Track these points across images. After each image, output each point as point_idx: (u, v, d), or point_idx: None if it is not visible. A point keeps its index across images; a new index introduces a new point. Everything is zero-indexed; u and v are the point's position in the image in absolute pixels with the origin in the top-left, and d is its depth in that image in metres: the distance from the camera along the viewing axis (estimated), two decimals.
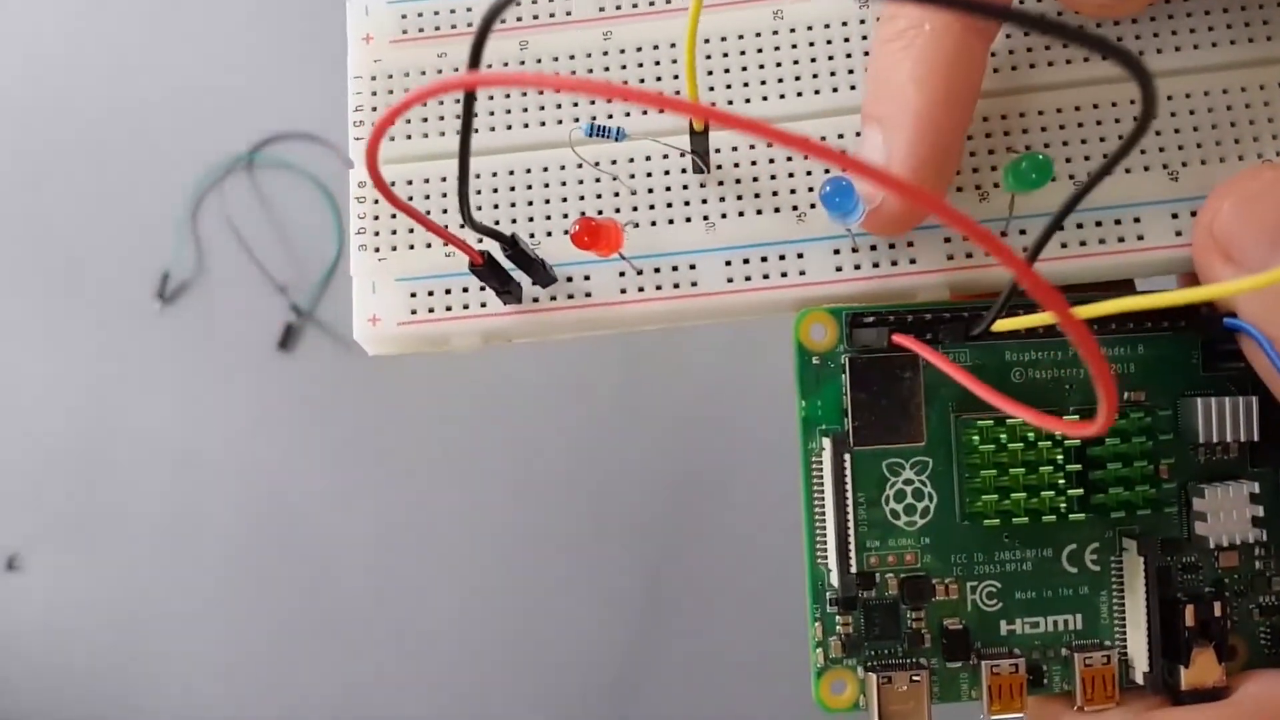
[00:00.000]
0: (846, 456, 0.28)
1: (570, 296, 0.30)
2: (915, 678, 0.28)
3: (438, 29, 0.32)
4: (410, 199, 0.31)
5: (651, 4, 0.31)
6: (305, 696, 0.84)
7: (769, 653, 0.76)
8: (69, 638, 0.86)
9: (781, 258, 0.30)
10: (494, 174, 0.31)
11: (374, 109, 0.31)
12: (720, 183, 0.30)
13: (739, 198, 0.30)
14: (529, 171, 0.31)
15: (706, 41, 0.31)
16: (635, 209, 0.30)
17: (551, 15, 0.32)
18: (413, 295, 0.30)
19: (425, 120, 0.31)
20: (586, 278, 0.30)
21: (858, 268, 0.29)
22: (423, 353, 0.31)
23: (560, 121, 0.31)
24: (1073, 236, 0.29)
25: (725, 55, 0.31)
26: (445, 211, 0.31)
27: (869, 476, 0.28)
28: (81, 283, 0.89)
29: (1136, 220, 0.29)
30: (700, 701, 0.82)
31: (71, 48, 0.91)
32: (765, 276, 0.30)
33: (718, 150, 0.30)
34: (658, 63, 0.31)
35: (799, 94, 0.31)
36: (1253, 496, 0.28)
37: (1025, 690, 0.28)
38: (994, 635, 0.29)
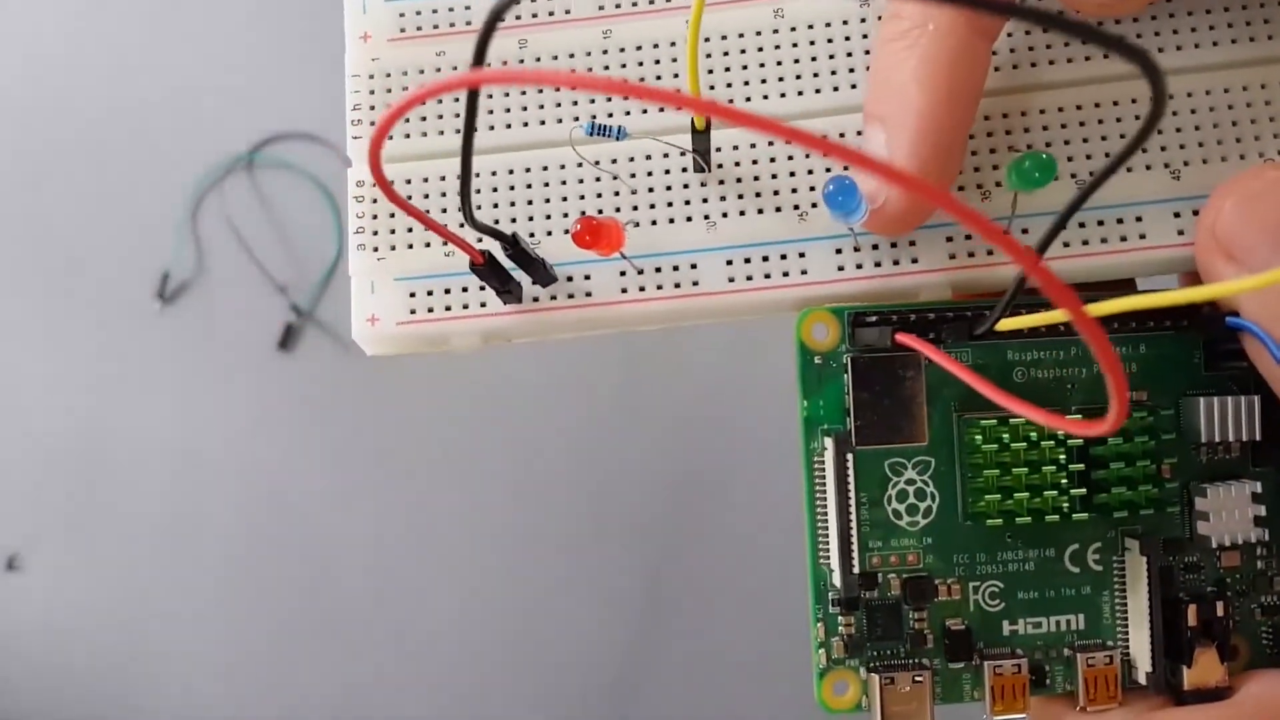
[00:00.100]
0: (849, 456, 0.28)
1: (571, 296, 0.30)
2: (918, 678, 0.28)
3: (436, 27, 0.32)
4: (409, 198, 0.31)
5: (651, 2, 0.31)
6: (305, 696, 0.84)
7: (769, 653, 0.76)
8: (69, 638, 0.86)
9: (783, 257, 0.29)
10: (494, 173, 0.30)
11: (372, 108, 0.31)
12: (721, 182, 0.30)
13: (740, 197, 0.30)
14: (529, 171, 0.30)
15: (707, 40, 0.31)
16: (636, 208, 0.30)
17: (551, 14, 0.32)
18: (412, 295, 0.30)
19: (424, 119, 0.31)
20: (587, 277, 0.30)
21: (860, 267, 0.29)
22: (422, 353, 0.31)
23: (560, 121, 0.31)
24: (1074, 235, 0.29)
25: (725, 54, 0.31)
26: (445, 211, 0.31)
27: (871, 476, 0.28)
28: (81, 283, 0.89)
29: (1138, 219, 0.29)
30: (700, 702, 0.82)
31: (71, 48, 0.91)
32: (767, 276, 0.29)
33: (719, 149, 0.30)
34: (658, 61, 0.31)
35: (799, 93, 0.31)
36: (1255, 496, 0.28)
37: (1028, 691, 0.28)
38: (996, 635, 0.29)
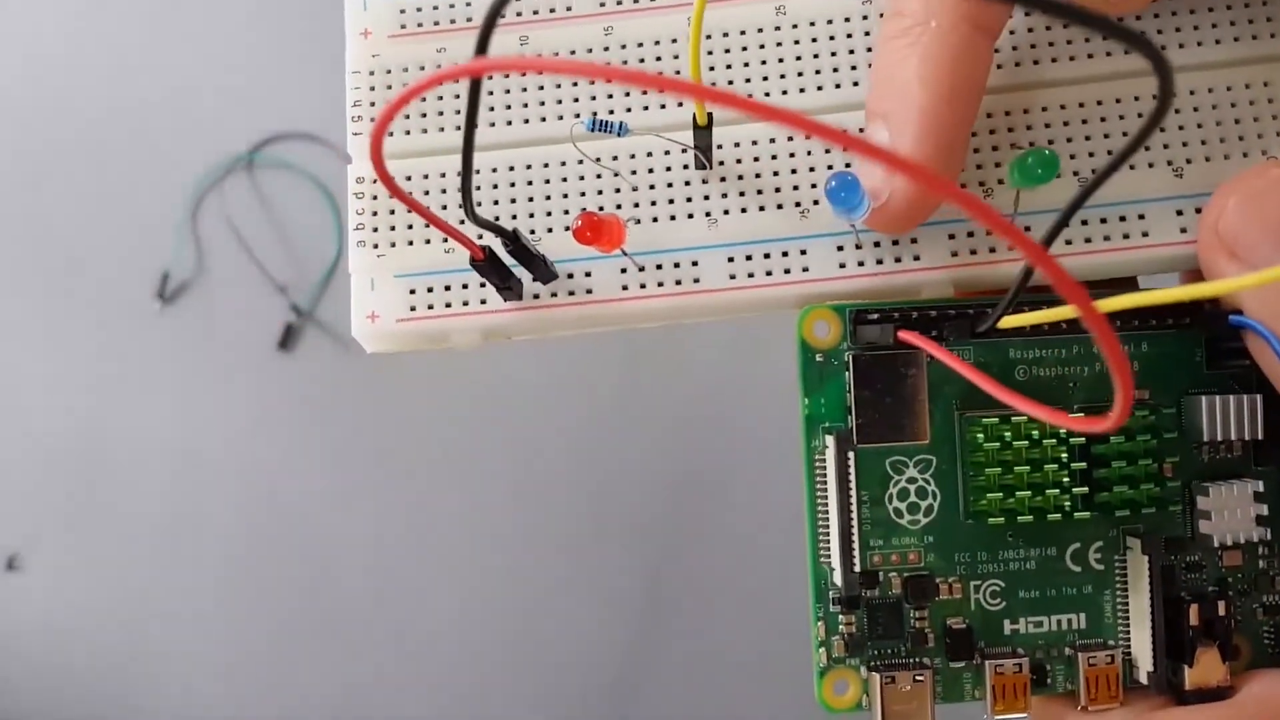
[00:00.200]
0: (850, 454, 0.28)
1: (571, 293, 0.30)
2: (918, 677, 0.28)
3: (436, 24, 0.32)
4: (409, 195, 0.31)
5: (653, 0, 0.31)
6: (305, 696, 0.84)
7: (770, 653, 0.76)
8: (69, 638, 0.86)
9: (785, 254, 0.29)
10: (495, 169, 0.30)
11: (372, 104, 0.31)
12: (723, 178, 0.30)
13: (742, 193, 0.30)
14: (530, 167, 0.30)
15: (708, 37, 0.31)
16: (637, 205, 0.30)
17: (552, 10, 0.32)
18: (412, 292, 0.30)
19: (424, 116, 0.31)
20: (588, 274, 0.30)
21: (861, 264, 0.29)
22: (422, 350, 0.31)
23: (561, 117, 0.31)
24: (1077, 233, 0.29)
25: (727, 51, 0.31)
26: (445, 208, 0.31)
27: (872, 474, 0.28)
28: (81, 283, 0.89)
29: (1141, 217, 0.29)
30: (700, 702, 0.82)
31: (71, 48, 0.91)
32: (768, 273, 0.29)
33: (720, 146, 0.30)
34: (659, 58, 0.31)
35: (801, 90, 0.30)
36: (1257, 495, 0.28)
37: (1029, 690, 0.28)
38: (997, 635, 0.29)
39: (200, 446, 0.86)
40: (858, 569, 0.28)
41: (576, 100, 0.31)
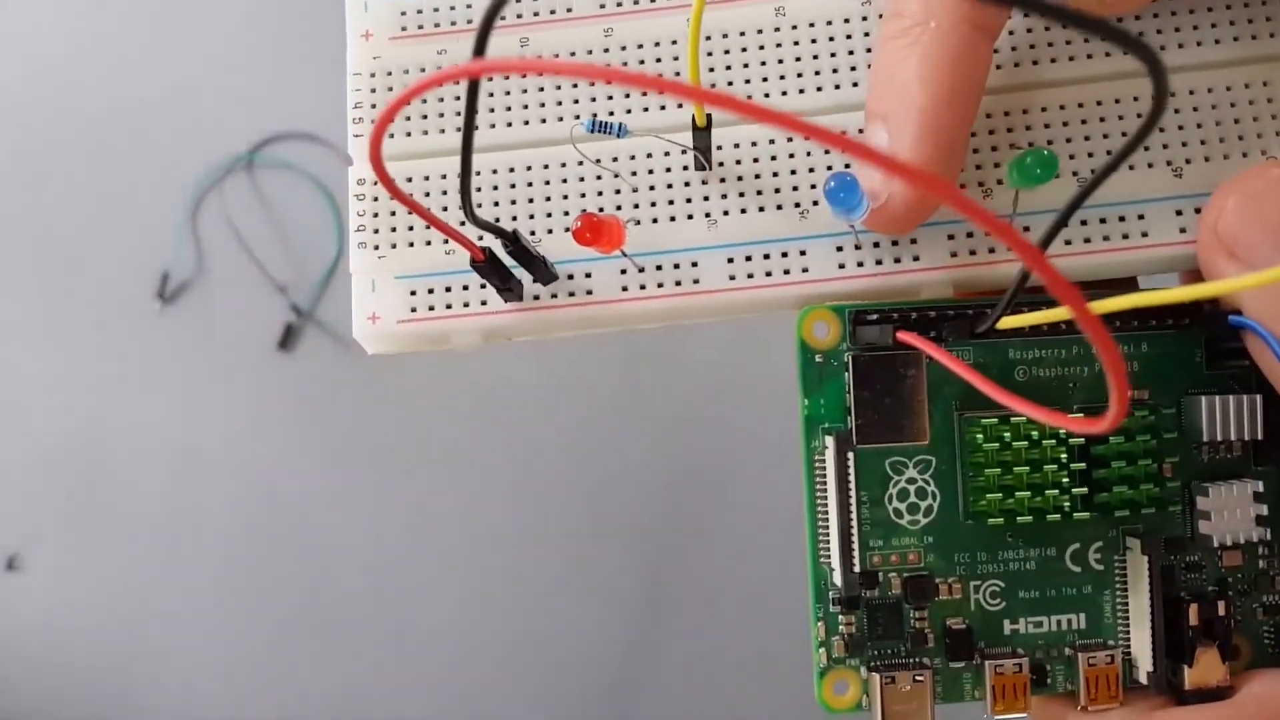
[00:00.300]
0: (849, 455, 0.28)
1: (571, 294, 0.30)
2: (918, 678, 0.28)
3: (437, 25, 0.32)
4: (410, 196, 0.31)
5: (652, 1, 0.31)
6: (305, 696, 0.84)
7: (770, 653, 0.76)
8: (69, 638, 0.86)
9: (784, 255, 0.29)
10: (495, 171, 0.30)
11: (373, 106, 0.31)
12: (722, 179, 0.30)
13: (741, 194, 0.30)
14: (530, 169, 0.30)
15: (708, 39, 0.31)
16: (637, 206, 0.30)
17: (552, 12, 0.32)
18: (412, 293, 0.30)
19: (425, 117, 0.31)
20: (588, 275, 0.30)
21: (861, 265, 0.29)
22: (422, 351, 0.31)
23: (561, 119, 0.31)
24: (1076, 233, 0.29)
25: (726, 52, 0.31)
26: (445, 209, 0.31)
27: (872, 475, 0.28)
28: (81, 283, 0.89)
29: (1140, 217, 0.29)
30: (700, 702, 0.82)
31: (71, 48, 0.91)
32: (768, 274, 0.29)
33: (719, 147, 0.30)
34: (659, 60, 0.31)
35: (800, 91, 0.30)
36: (1256, 495, 0.28)
37: (1029, 690, 0.28)
38: (997, 635, 0.29)
39: (200, 446, 0.86)
40: (857, 569, 0.28)
41: (576, 101, 0.31)
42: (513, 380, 0.85)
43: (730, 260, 0.29)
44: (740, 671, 0.80)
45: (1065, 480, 0.28)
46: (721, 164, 0.30)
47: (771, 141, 0.30)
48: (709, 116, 0.29)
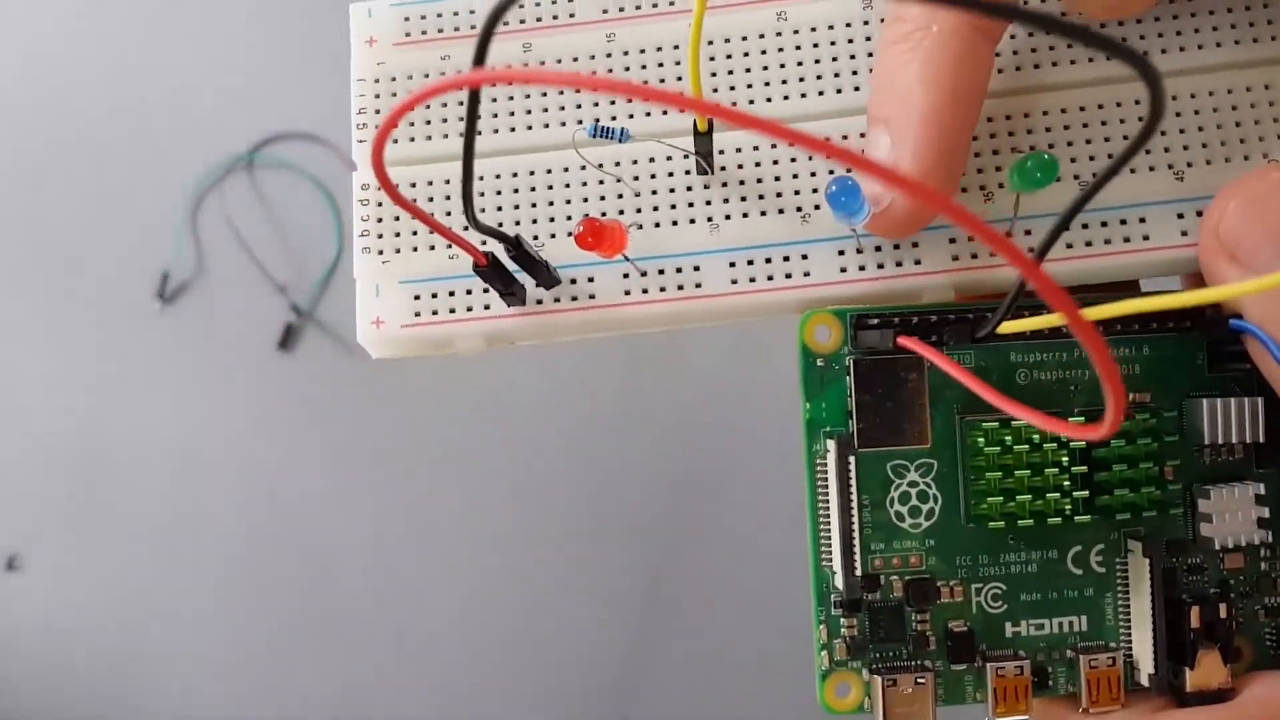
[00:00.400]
0: (851, 458, 0.28)
1: (574, 298, 0.30)
2: (920, 680, 0.28)
3: (440, 31, 0.32)
4: (414, 201, 0.31)
5: (655, 6, 0.31)
6: (305, 696, 0.84)
7: (770, 653, 0.76)
8: (69, 638, 0.86)
9: (786, 259, 0.29)
10: (498, 176, 0.31)
11: (377, 111, 0.31)
12: (724, 184, 0.30)
13: (743, 199, 0.30)
14: (533, 173, 0.30)
15: (710, 43, 0.31)
16: (639, 210, 0.30)
17: (555, 17, 0.32)
18: (416, 298, 0.30)
19: (429, 123, 0.31)
20: (590, 279, 0.30)
21: (862, 269, 0.29)
22: (426, 355, 0.31)
23: (564, 123, 0.31)
24: (1078, 237, 0.29)
25: (729, 57, 0.31)
26: (449, 214, 0.31)
27: (873, 478, 0.28)
28: (81, 283, 0.89)
29: (1142, 220, 0.29)
30: (700, 702, 0.82)
31: (71, 48, 0.91)
32: (769, 278, 0.29)
33: (721, 151, 0.30)
34: (661, 64, 0.31)
35: (802, 95, 0.31)
36: (1258, 498, 0.28)
37: (1030, 692, 0.28)
38: (999, 637, 0.29)
39: (200, 446, 0.87)
40: (859, 572, 0.28)
41: (579, 107, 0.31)
42: (513, 380, 0.85)
43: (732, 264, 0.30)
44: (740, 671, 0.80)
45: (1066, 483, 0.28)
46: (723, 168, 0.30)
47: (773, 146, 0.30)
48: (710, 121, 0.29)
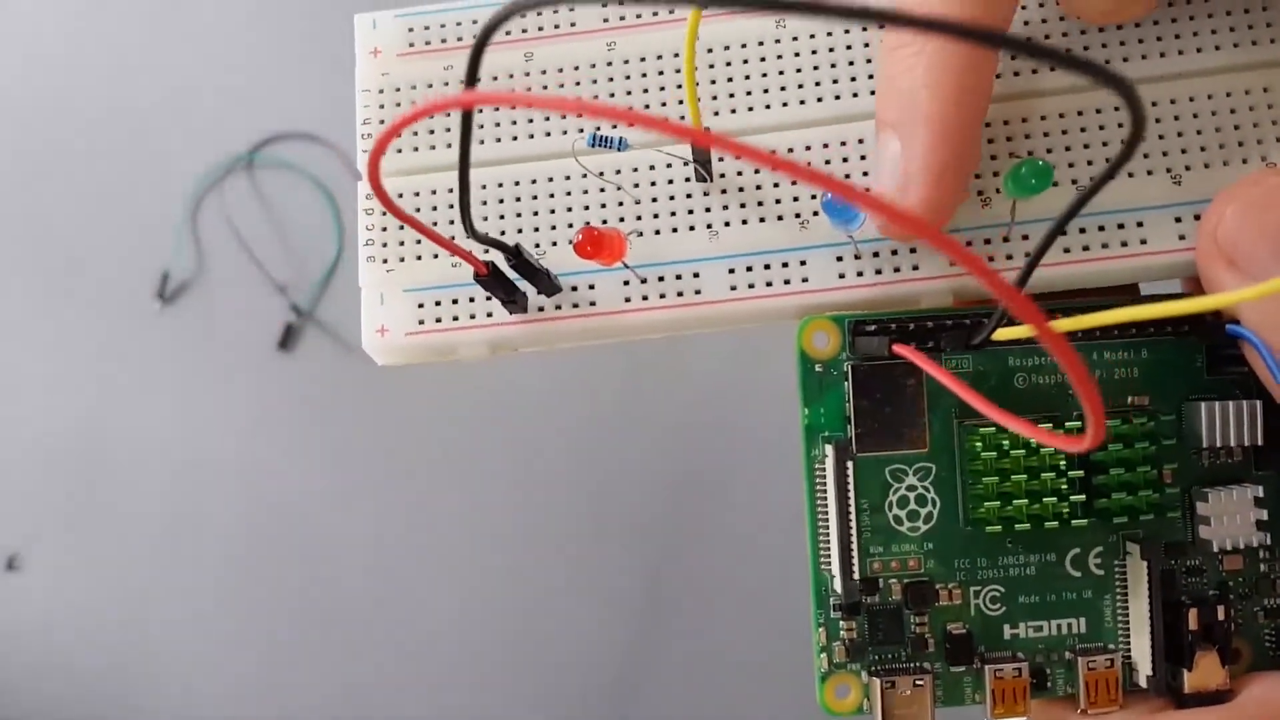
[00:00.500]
0: (849, 463, 0.28)
1: (575, 306, 0.30)
2: (919, 682, 0.28)
3: (444, 42, 0.32)
4: (417, 210, 0.31)
5: (655, 15, 0.31)
6: (305, 696, 0.84)
7: (770, 654, 0.76)
8: (69, 638, 0.86)
9: (784, 265, 0.30)
10: (499, 185, 0.31)
11: (382, 121, 0.32)
12: (723, 191, 0.30)
13: (741, 206, 0.30)
14: (533, 182, 0.31)
15: (709, 51, 0.31)
16: (638, 218, 0.30)
17: (556, 27, 0.32)
18: (420, 306, 0.30)
19: (432, 132, 0.31)
20: (591, 287, 0.30)
21: (860, 275, 0.29)
22: (430, 362, 0.31)
23: (565, 132, 0.31)
24: (1075, 241, 0.29)
25: (728, 64, 0.31)
26: (452, 223, 0.31)
27: (872, 483, 0.29)
28: (81, 283, 0.89)
29: (1139, 224, 0.29)
30: (700, 702, 0.82)
31: (71, 48, 0.91)
32: (768, 284, 0.30)
33: (720, 159, 0.30)
34: (661, 73, 0.31)
35: (801, 101, 0.31)
36: (1257, 500, 0.28)
37: (1029, 694, 0.28)
38: (997, 639, 0.29)
39: (200, 446, 0.87)
40: (858, 576, 0.28)
41: (579, 115, 0.31)
42: (513, 381, 0.85)
43: (731, 271, 0.30)
44: (740, 672, 0.81)
45: (1064, 487, 0.28)
46: (722, 175, 0.30)
47: (771, 153, 0.30)
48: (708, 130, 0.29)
